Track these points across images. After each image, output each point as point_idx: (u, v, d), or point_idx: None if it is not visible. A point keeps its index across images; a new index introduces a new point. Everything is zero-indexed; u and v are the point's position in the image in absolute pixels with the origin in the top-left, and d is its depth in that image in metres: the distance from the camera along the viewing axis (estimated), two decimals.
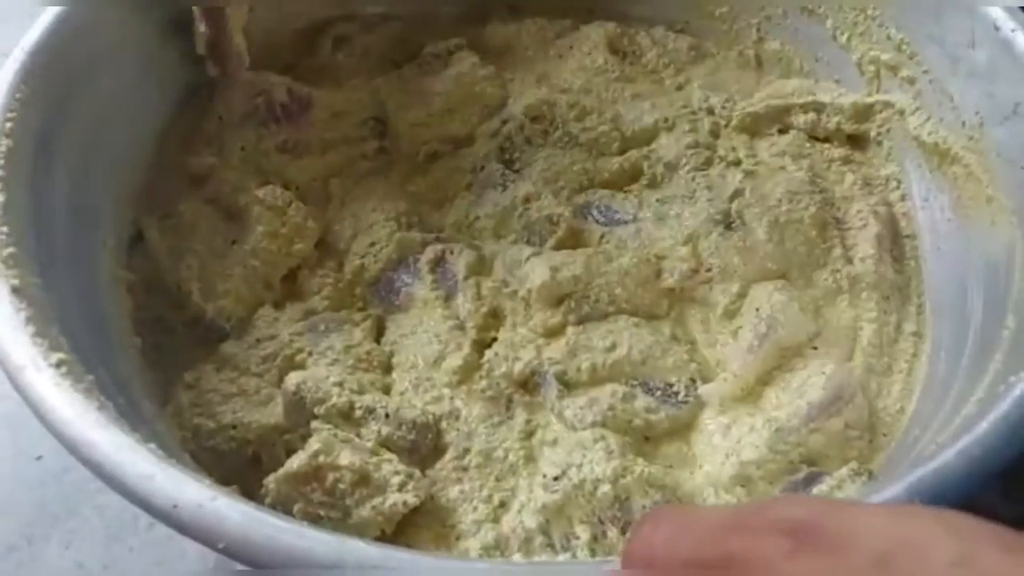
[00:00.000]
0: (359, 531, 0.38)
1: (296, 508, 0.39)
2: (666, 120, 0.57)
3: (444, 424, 0.44)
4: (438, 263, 0.50)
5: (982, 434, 0.32)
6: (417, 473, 0.41)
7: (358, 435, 0.42)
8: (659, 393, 0.46)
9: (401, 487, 0.40)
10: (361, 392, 0.44)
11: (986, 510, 0.50)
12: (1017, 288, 0.42)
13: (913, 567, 0.20)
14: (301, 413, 0.43)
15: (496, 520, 0.41)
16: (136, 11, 0.51)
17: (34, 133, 0.43)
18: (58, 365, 0.34)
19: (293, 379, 0.44)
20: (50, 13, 0.47)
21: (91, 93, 0.48)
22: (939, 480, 0.31)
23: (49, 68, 0.45)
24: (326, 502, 0.39)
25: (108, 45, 0.50)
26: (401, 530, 0.40)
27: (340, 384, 0.44)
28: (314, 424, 0.42)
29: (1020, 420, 0.32)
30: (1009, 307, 0.41)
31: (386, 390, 0.46)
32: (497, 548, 0.40)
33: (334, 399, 0.43)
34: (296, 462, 0.39)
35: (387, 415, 0.43)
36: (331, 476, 0.39)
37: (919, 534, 0.21)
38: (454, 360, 0.46)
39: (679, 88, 0.62)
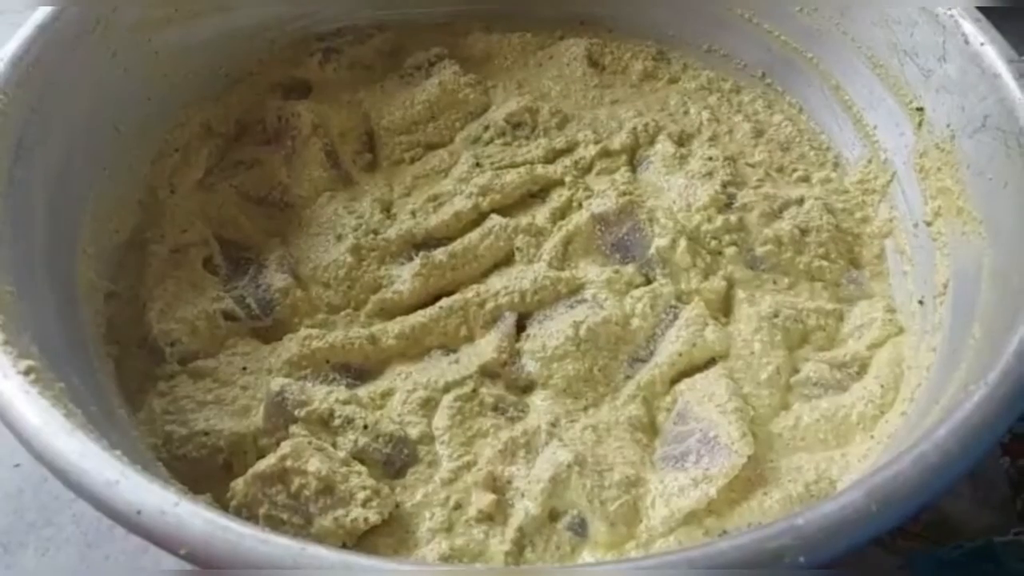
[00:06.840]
0: (319, 540, 0.38)
1: (261, 511, 0.39)
2: (646, 126, 0.58)
3: (418, 437, 0.44)
4: None
5: (940, 441, 0.32)
6: (385, 489, 0.41)
7: (334, 444, 0.42)
8: None
9: (365, 503, 0.39)
10: (346, 402, 0.44)
11: (962, 518, 0.50)
12: (984, 298, 0.42)
13: None
14: (280, 416, 0.43)
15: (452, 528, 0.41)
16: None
17: (12, 143, 0.43)
18: (27, 372, 0.34)
19: (279, 381, 0.44)
20: (31, 24, 0.47)
21: (72, 103, 0.48)
22: (896, 486, 0.31)
23: (28, 78, 0.46)
24: (289, 506, 0.39)
25: (90, 58, 0.50)
26: (362, 537, 0.40)
27: (329, 391, 0.44)
28: (292, 429, 0.42)
29: (978, 427, 0.32)
30: (976, 317, 0.42)
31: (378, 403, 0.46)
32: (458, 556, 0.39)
33: (316, 404, 0.43)
34: (264, 463, 0.40)
35: (365, 426, 0.43)
36: (297, 481, 0.39)
37: None
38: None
39: (656, 92, 0.62)
